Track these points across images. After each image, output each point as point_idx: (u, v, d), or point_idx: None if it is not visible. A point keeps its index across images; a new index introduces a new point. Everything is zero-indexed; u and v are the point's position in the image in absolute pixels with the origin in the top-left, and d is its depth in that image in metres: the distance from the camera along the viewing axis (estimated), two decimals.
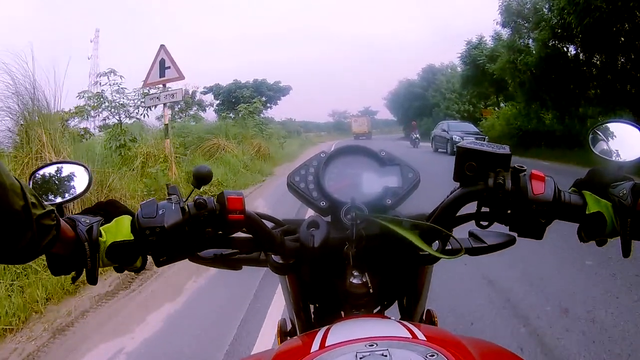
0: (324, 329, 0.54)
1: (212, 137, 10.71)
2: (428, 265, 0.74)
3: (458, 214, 0.63)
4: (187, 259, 0.62)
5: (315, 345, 0.49)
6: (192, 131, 11.22)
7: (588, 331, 2.24)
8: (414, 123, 25.24)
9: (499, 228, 0.63)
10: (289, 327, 0.82)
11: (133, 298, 3.21)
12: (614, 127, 0.73)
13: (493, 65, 17.64)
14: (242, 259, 0.70)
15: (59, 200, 0.65)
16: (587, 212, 0.58)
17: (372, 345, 0.44)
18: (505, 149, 0.59)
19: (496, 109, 22.91)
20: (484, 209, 0.60)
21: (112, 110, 7.45)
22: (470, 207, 0.62)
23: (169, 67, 6.96)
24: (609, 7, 9.32)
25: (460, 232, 0.67)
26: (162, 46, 7.12)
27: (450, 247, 0.66)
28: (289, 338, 0.80)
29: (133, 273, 0.62)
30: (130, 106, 7.51)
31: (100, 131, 9.25)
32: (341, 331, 0.52)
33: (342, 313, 0.70)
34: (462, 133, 15.41)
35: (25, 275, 3.11)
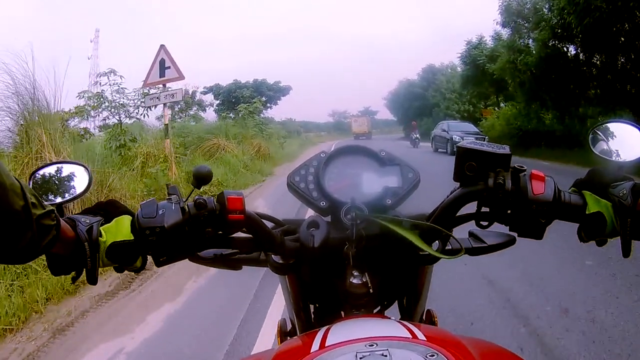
0: (324, 329, 0.54)
1: (212, 137, 10.71)
2: (428, 265, 0.74)
3: (458, 214, 0.63)
4: (187, 259, 0.62)
5: (315, 345, 0.49)
6: (192, 131, 11.23)
7: (588, 331, 2.24)
8: (414, 123, 25.21)
9: (499, 228, 0.64)
10: (289, 327, 0.82)
11: (133, 298, 3.20)
12: (614, 127, 0.73)
13: (493, 66, 17.65)
14: (242, 259, 0.70)
15: (59, 200, 0.66)
16: (587, 212, 0.58)
17: (372, 345, 0.44)
18: (505, 149, 0.59)
19: (496, 109, 22.90)
20: (484, 209, 0.60)
21: (112, 110, 7.45)
22: (471, 207, 0.62)
23: (169, 67, 6.96)
24: (609, 7, 9.31)
25: (461, 232, 0.67)
26: (162, 46, 7.12)
27: (450, 247, 0.66)
28: (289, 338, 0.80)
29: (133, 273, 0.62)
30: (130, 106, 7.51)
31: (100, 131, 9.25)
32: (341, 331, 0.52)
33: (342, 313, 0.70)
34: (462, 133, 15.37)
35: (25, 275, 3.11)
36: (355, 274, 0.64)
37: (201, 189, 0.63)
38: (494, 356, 0.53)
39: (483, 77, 21.42)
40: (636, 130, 0.70)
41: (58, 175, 0.69)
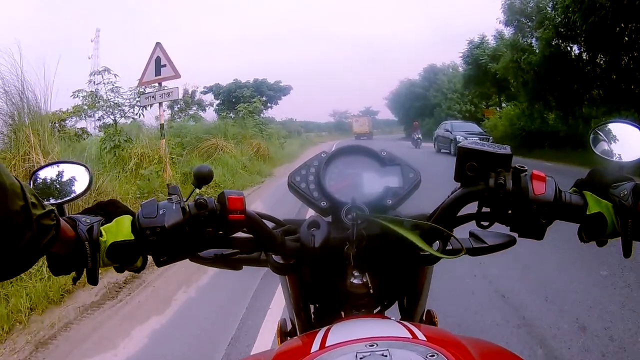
0: (324, 329, 0.54)
1: (210, 137, 10.55)
2: (428, 266, 0.75)
3: (459, 214, 0.63)
4: (187, 259, 0.62)
5: (316, 346, 0.49)
6: (191, 131, 11.06)
7: (607, 351, 2.10)
8: (415, 123, 24.91)
9: (499, 228, 0.63)
10: (289, 327, 0.83)
11: (119, 309, 3.06)
12: (615, 127, 0.73)
13: (495, 65, 17.50)
14: (243, 259, 0.70)
15: (59, 200, 0.66)
16: (587, 213, 0.58)
17: (373, 346, 0.45)
18: (506, 149, 0.59)
19: (498, 109, 22.75)
20: (484, 209, 0.60)
21: (107, 109, 7.29)
22: (471, 208, 0.62)
23: (164, 66, 6.82)
24: (613, 5, 9.14)
25: (461, 233, 0.67)
26: (157, 44, 6.98)
27: (451, 247, 0.67)
28: (289, 338, 0.80)
29: (134, 273, 0.62)
30: (126, 105, 7.34)
31: (100, 131, 9.14)
32: (341, 331, 0.52)
33: (342, 313, 0.70)
34: (466, 133, 15.11)
35: (10, 283, 3.00)
36: (356, 274, 0.64)
37: (200, 190, 0.63)
38: (494, 356, 0.54)
39: (485, 76, 21.35)
40: (637, 130, 0.70)
41: (58, 175, 0.69)
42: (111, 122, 7.54)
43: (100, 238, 0.55)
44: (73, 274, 0.55)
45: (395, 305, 0.79)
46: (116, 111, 7.35)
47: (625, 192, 0.55)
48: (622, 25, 10.19)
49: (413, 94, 38.31)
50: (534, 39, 14.22)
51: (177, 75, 6.84)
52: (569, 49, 12.88)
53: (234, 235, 0.63)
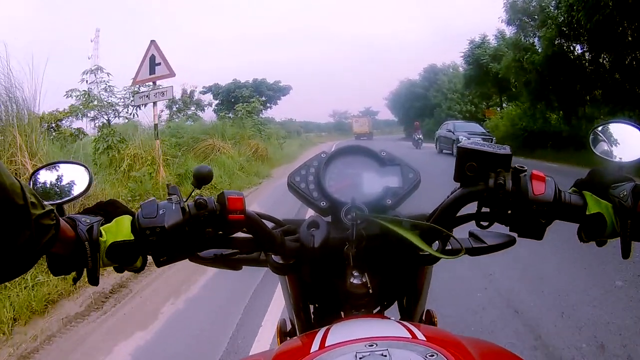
0: (323, 329, 0.54)
1: (207, 137, 10.35)
2: (428, 266, 0.75)
3: (458, 214, 0.64)
4: (187, 259, 0.61)
5: (315, 346, 0.49)
6: (188, 131, 10.87)
7: None
8: (416, 123, 24.65)
9: (499, 228, 0.64)
10: (289, 327, 0.83)
11: (103, 322, 2.92)
12: (615, 127, 0.73)
13: (497, 65, 17.36)
14: (242, 259, 0.70)
15: (59, 200, 0.66)
16: (587, 213, 0.58)
17: (372, 346, 0.45)
18: (506, 149, 0.59)
19: (498, 109, 22.61)
20: (484, 209, 0.61)
21: (101, 109, 7.10)
22: (471, 208, 0.62)
23: (159, 64, 6.65)
24: (617, 4, 8.98)
25: (461, 233, 0.67)
26: (152, 42, 6.80)
27: (450, 247, 0.67)
28: (288, 338, 0.80)
29: (134, 273, 0.62)
30: (119, 105, 7.15)
31: (99, 132, 8.97)
32: (341, 331, 0.53)
33: (342, 313, 0.70)
34: (469, 133, 14.88)
35: None
36: (355, 274, 0.65)
37: (199, 190, 0.63)
38: (493, 356, 0.54)
39: (486, 76, 21.27)
40: (637, 130, 0.70)
41: (58, 175, 0.69)
42: (111, 122, 7.36)
43: (100, 238, 0.55)
44: (73, 274, 0.55)
45: (395, 305, 0.79)
46: (110, 111, 7.16)
47: (625, 193, 0.55)
48: (626, 24, 10.03)
49: (413, 94, 38.19)
50: (536, 38, 14.10)
51: (171, 74, 6.67)
52: (571, 48, 12.76)
53: (233, 236, 0.63)
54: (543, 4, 13.17)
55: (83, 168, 0.70)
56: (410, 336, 0.48)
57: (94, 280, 0.54)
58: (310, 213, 0.73)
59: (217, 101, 28.72)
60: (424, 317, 0.80)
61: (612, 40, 10.48)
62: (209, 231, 0.59)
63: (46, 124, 9.82)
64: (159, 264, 0.58)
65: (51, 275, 3.36)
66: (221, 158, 9.44)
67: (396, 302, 0.79)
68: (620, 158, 0.69)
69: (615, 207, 0.56)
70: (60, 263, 0.53)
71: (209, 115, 22.28)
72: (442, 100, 33.57)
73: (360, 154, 0.76)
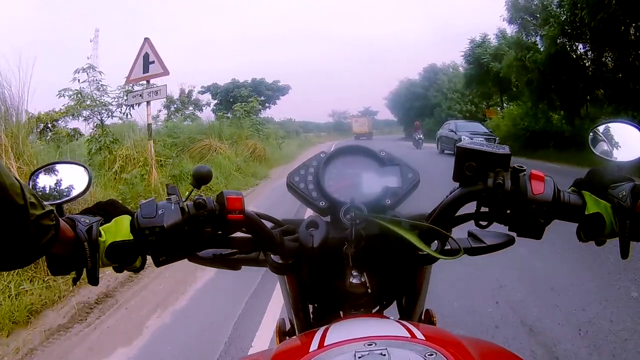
0: (322, 329, 0.55)
1: (204, 137, 10.15)
2: (427, 265, 0.74)
3: (457, 214, 0.64)
4: (186, 259, 0.62)
5: (314, 345, 0.49)
6: (184, 131, 10.68)
7: None
8: (417, 123, 24.39)
9: (498, 228, 0.64)
10: (288, 327, 0.83)
11: (86, 335, 2.77)
12: (614, 127, 0.73)
13: (497, 64, 17.22)
14: (242, 258, 0.70)
15: (58, 200, 0.66)
16: (586, 213, 0.58)
17: (371, 345, 0.45)
18: (505, 149, 0.59)
19: (499, 109, 22.46)
20: (483, 209, 0.61)
21: (93, 109, 6.91)
22: (470, 207, 0.62)
23: (153, 62, 6.49)
24: (620, 1, 8.83)
25: (460, 232, 0.67)
26: (146, 39, 6.64)
27: (449, 247, 0.67)
28: (287, 338, 0.80)
29: (133, 273, 0.62)
30: (112, 105, 6.95)
31: (95, 131, 8.80)
32: (340, 331, 0.53)
33: (341, 313, 0.71)
34: (471, 133, 14.67)
35: None
36: (355, 273, 0.65)
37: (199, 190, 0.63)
38: (493, 356, 0.53)
39: (487, 76, 21.17)
40: (636, 130, 0.70)
41: (58, 175, 0.69)
42: (104, 122, 7.18)
43: (99, 238, 0.55)
44: (73, 274, 0.55)
45: (394, 305, 0.80)
46: (103, 111, 6.96)
47: (624, 193, 0.55)
48: (628, 21, 9.90)
49: (413, 93, 38.07)
50: (538, 37, 13.95)
51: (165, 72, 6.49)
52: (574, 47, 12.64)
53: (232, 235, 0.63)
54: (545, 3, 13.09)
55: (82, 168, 0.70)
56: (409, 335, 0.49)
57: (93, 281, 0.55)
58: (309, 213, 0.73)
59: (215, 101, 28.58)
60: (423, 317, 0.80)
61: (615, 39, 10.35)
62: (208, 231, 0.59)
63: (42, 124, 9.65)
64: (158, 263, 0.58)
65: (35, 283, 3.25)
66: (217, 159, 9.28)
67: (395, 302, 0.80)
68: (620, 158, 0.69)
69: (614, 207, 0.56)
70: (59, 263, 0.54)
71: (207, 115, 22.11)
72: (442, 100, 33.47)
73: (360, 154, 0.76)
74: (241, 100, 18.49)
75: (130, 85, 7.04)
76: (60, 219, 0.50)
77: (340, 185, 0.72)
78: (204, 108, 25.78)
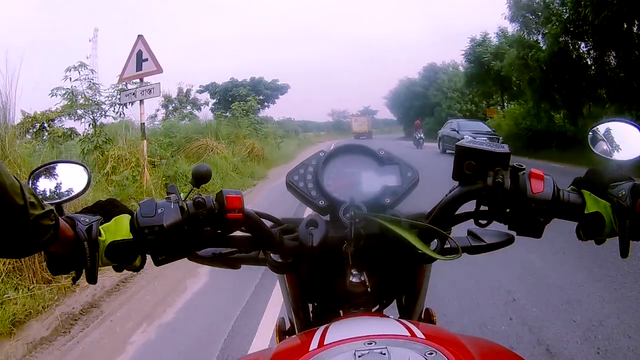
0: (322, 328, 0.55)
1: (200, 137, 9.97)
2: (427, 264, 0.75)
3: (457, 213, 0.64)
4: (185, 258, 0.62)
5: (314, 344, 0.49)
6: (181, 131, 10.49)
7: None
8: (417, 122, 24.14)
9: (498, 227, 0.64)
10: (288, 326, 0.83)
11: (68, 350, 2.64)
12: (614, 126, 0.73)
13: (498, 63, 17.06)
14: (241, 257, 0.70)
15: (58, 200, 0.66)
16: (585, 212, 0.58)
17: (371, 344, 0.45)
18: (505, 148, 0.60)
19: (500, 108, 22.30)
20: (482, 208, 0.61)
21: (86, 108, 6.72)
22: (470, 206, 0.62)
23: (146, 60, 6.34)
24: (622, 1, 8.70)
25: (460, 231, 0.68)
26: (139, 36, 6.49)
27: (449, 246, 0.67)
28: (287, 337, 0.81)
29: (132, 272, 0.62)
30: (105, 104, 6.76)
31: (90, 131, 8.62)
32: (340, 330, 0.53)
33: (341, 312, 0.71)
34: (474, 133, 14.45)
35: None
36: (354, 272, 0.65)
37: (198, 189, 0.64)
38: (493, 355, 0.53)
39: (487, 75, 21.07)
40: (636, 129, 0.71)
41: (57, 175, 0.70)
42: (100, 121, 7.00)
43: (99, 237, 0.55)
44: (72, 273, 0.56)
45: (394, 304, 0.80)
46: (95, 110, 6.77)
47: (624, 192, 0.55)
48: (631, 20, 9.74)
49: (413, 93, 37.93)
50: (540, 35, 13.80)
51: (159, 70, 6.35)
52: (577, 46, 12.51)
53: (232, 234, 0.64)
54: (547, 0, 12.92)
55: (82, 167, 0.70)
56: (409, 334, 0.49)
57: (92, 280, 0.55)
58: (308, 212, 0.73)
59: (214, 100, 28.40)
60: (422, 316, 0.80)
61: (618, 38, 10.21)
62: (208, 230, 0.59)
63: (38, 124, 9.45)
64: (157, 262, 0.59)
65: (20, 292, 3.08)
66: (214, 158, 9.12)
67: (395, 301, 0.80)
68: (619, 157, 0.69)
69: (614, 207, 0.56)
70: (59, 262, 0.54)
71: (205, 114, 21.94)
72: (442, 99, 33.37)
73: (359, 153, 0.77)
74: (239, 99, 18.31)
75: (124, 83, 6.86)
76: (60, 218, 0.50)
77: (339, 184, 0.73)
78: (202, 107, 25.61)
